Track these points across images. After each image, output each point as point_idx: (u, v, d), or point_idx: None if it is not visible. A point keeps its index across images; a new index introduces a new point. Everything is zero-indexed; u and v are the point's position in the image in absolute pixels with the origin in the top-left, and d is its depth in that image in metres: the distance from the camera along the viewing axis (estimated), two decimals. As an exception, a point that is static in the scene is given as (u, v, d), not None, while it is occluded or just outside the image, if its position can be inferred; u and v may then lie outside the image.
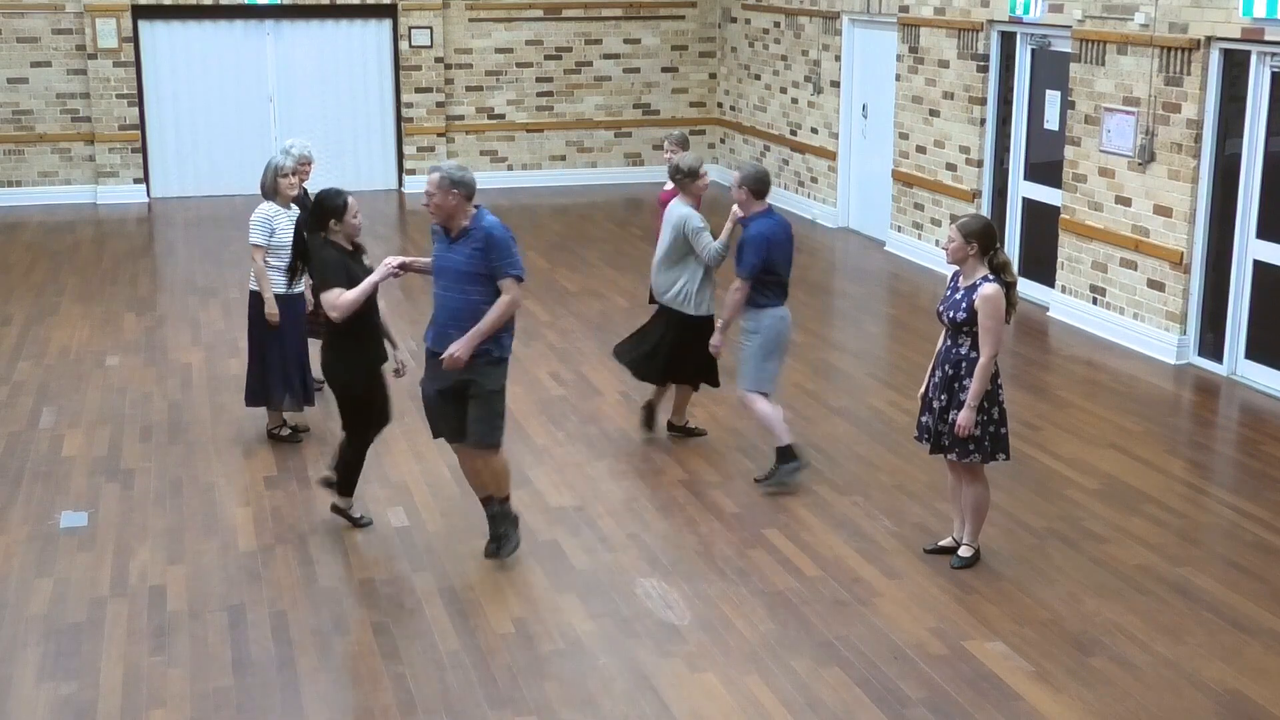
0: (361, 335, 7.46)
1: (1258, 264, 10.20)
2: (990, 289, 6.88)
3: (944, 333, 7.14)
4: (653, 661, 6.27)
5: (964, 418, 6.92)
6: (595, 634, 6.53)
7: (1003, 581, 7.06)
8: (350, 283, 7.25)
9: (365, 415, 7.59)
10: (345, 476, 7.67)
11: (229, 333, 11.50)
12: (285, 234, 8.77)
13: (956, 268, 7.05)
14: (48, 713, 5.86)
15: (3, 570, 7.18)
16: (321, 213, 7.41)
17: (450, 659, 6.29)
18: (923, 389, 7.26)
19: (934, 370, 7.18)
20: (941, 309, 7.09)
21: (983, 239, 6.94)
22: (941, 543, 7.42)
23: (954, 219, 7.32)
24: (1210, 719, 5.83)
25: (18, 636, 6.49)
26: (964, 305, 6.94)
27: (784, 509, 7.97)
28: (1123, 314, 11.34)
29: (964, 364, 6.99)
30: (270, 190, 8.94)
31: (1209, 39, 10.29)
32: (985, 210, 13.31)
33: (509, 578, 7.11)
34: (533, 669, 6.20)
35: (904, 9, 14.29)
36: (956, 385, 7.02)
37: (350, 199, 7.42)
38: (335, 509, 7.73)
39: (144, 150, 17.54)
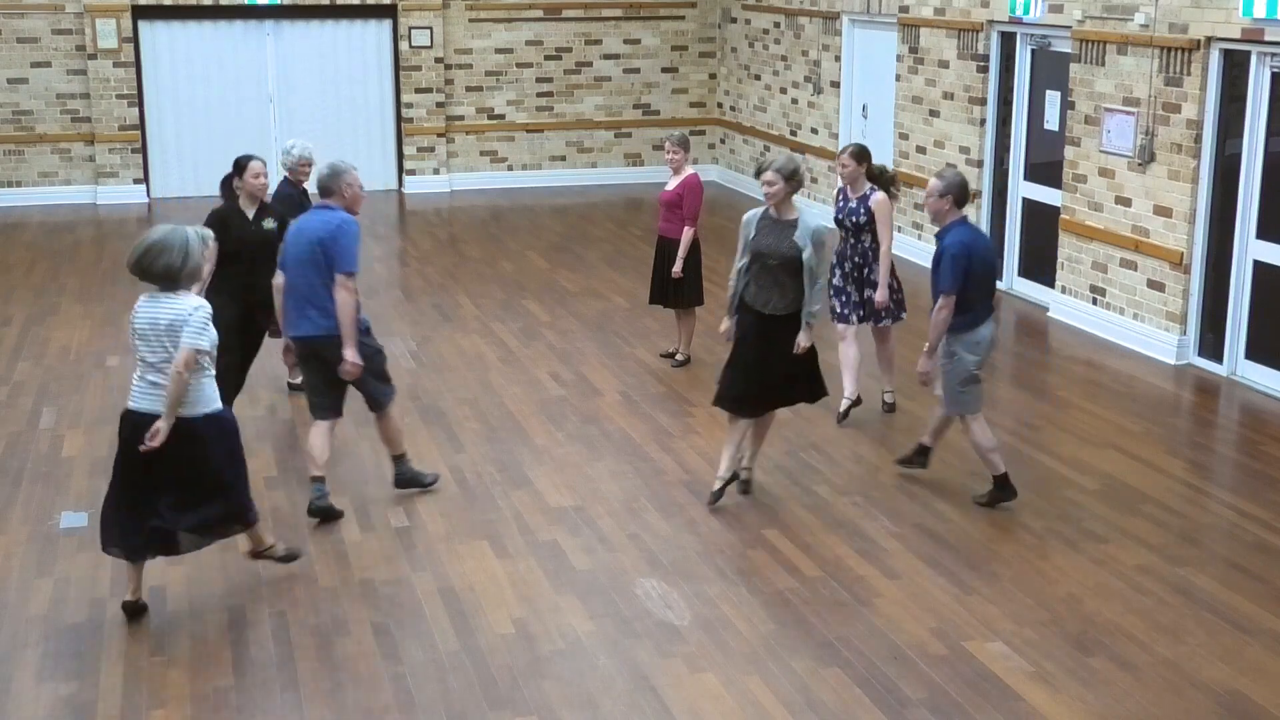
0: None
1: (1258, 264, 10.20)
2: (880, 195, 9.16)
3: (842, 236, 9.33)
4: (653, 661, 6.27)
5: (881, 295, 9.18)
6: (595, 634, 6.53)
7: (1003, 581, 7.06)
8: (221, 239, 7.92)
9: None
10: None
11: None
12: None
13: (843, 185, 9.29)
14: (48, 713, 5.86)
15: (3, 570, 7.18)
16: (233, 168, 8.82)
17: (450, 659, 6.29)
18: (834, 281, 9.35)
19: (840, 265, 9.36)
20: (841, 217, 9.29)
21: (867, 158, 9.25)
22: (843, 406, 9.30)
23: (842, 150, 9.39)
24: (1210, 719, 5.83)
25: (18, 636, 6.49)
26: (862, 211, 9.17)
27: (784, 509, 7.97)
28: (1123, 314, 11.34)
29: (870, 254, 9.24)
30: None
31: (1209, 39, 10.29)
32: (985, 210, 13.32)
33: (509, 578, 7.11)
34: (533, 669, 6.20)
35: (904, 9, 14.29)
36: (866, 272, 9.28)
37: (255, 161, 8.71)
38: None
39: (144, 150, 17.54)
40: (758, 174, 7.94)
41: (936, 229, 8.02)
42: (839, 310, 9.37)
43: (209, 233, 6.66)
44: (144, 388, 6.39)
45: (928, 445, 8.39)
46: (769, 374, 7.84)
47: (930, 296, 7.95)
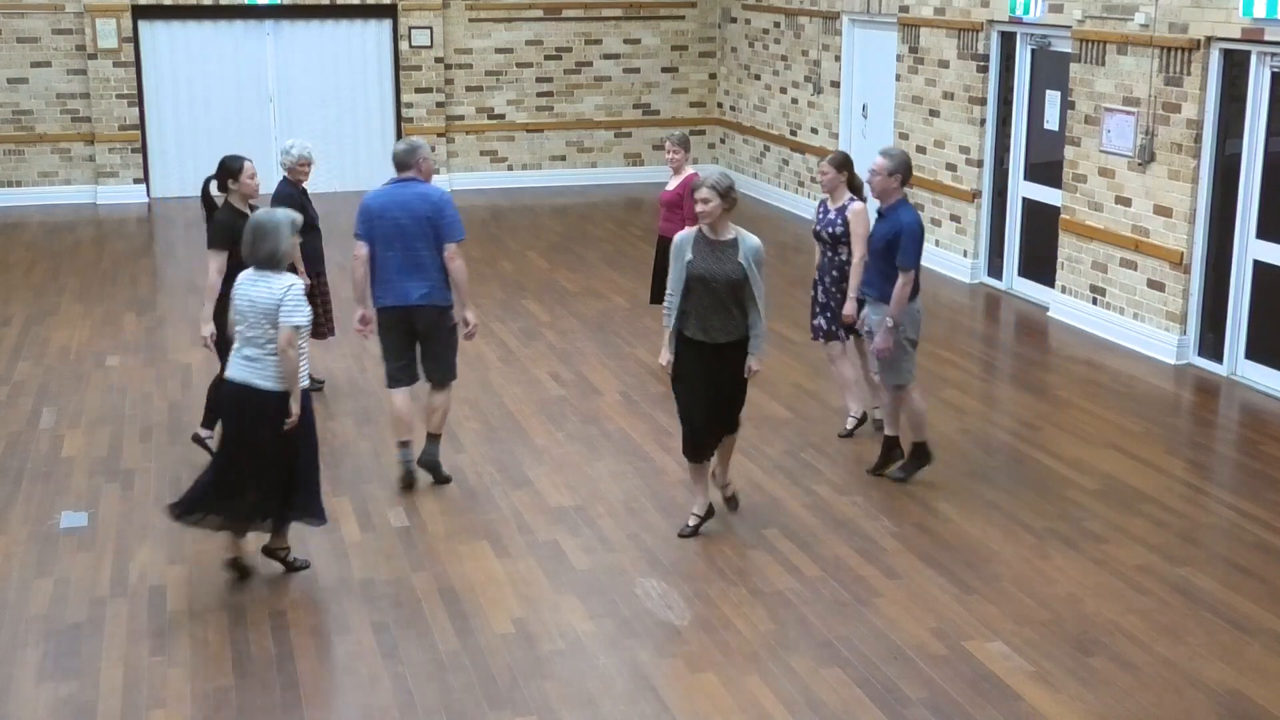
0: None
1: (1258, 264, 10.20)
2: (858, 205, 8.66)
3: (821, 250, 8.87)
4: (653, 661, 6.27)
5: (848, 309, 8.63)
6: (595, 634, 6.53)
7: (1003, 581, 7.06)
8: (233, 245, 7.77)
9: None
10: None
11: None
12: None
13: (824, 195, 8.87)
14: (48, 713, 5.86)
15: (3, 570, 7.18)
16: (222, 173, 8.50)
17: (450, 659, 6.29)
18: (818, 297, 8.94)
19: (821, 280, 8.90)
20: (819, 229, 8.82)
21: (849, 166, 8.81)
22: (849, 426, 9.11)
23: (822, 158, 9.17)
24: (1210, 719, 5.83)
25: (18, 636, 6.49)
26: (840, 221, 8.68)
27: (784, 509, 7.97)
28: (1123, 314, 11.34)
29: (847, 268, 8.69)
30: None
31: (1209, 39, 10.29)
32: (985, 210, 13.31)
33: (509, 578, 7.11)
34: (533, 669, 6.21)
35: (904, 9, 14.29)
36: (845, 285, 8.71)
37: (248, 162, 8.58)
38: (196, 438, 8.55)
39: (144, 150, 17.55)
40: (693, 191, 7.36)
41: (879, 207, 8.15)
42: (826, 328, 8.92)
43: (299, 216, 7.04)
44: (239, 361, 6.81)
45: (893, 436, 8.45)
46: (720, 404, 7.48)
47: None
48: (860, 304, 8.54)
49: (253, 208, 8.66)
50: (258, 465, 6.78)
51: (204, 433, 8.57)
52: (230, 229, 8.07)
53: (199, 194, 9.04)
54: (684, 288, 7.28)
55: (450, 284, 8.09)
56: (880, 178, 8.05)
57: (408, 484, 8.18)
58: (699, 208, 7.25)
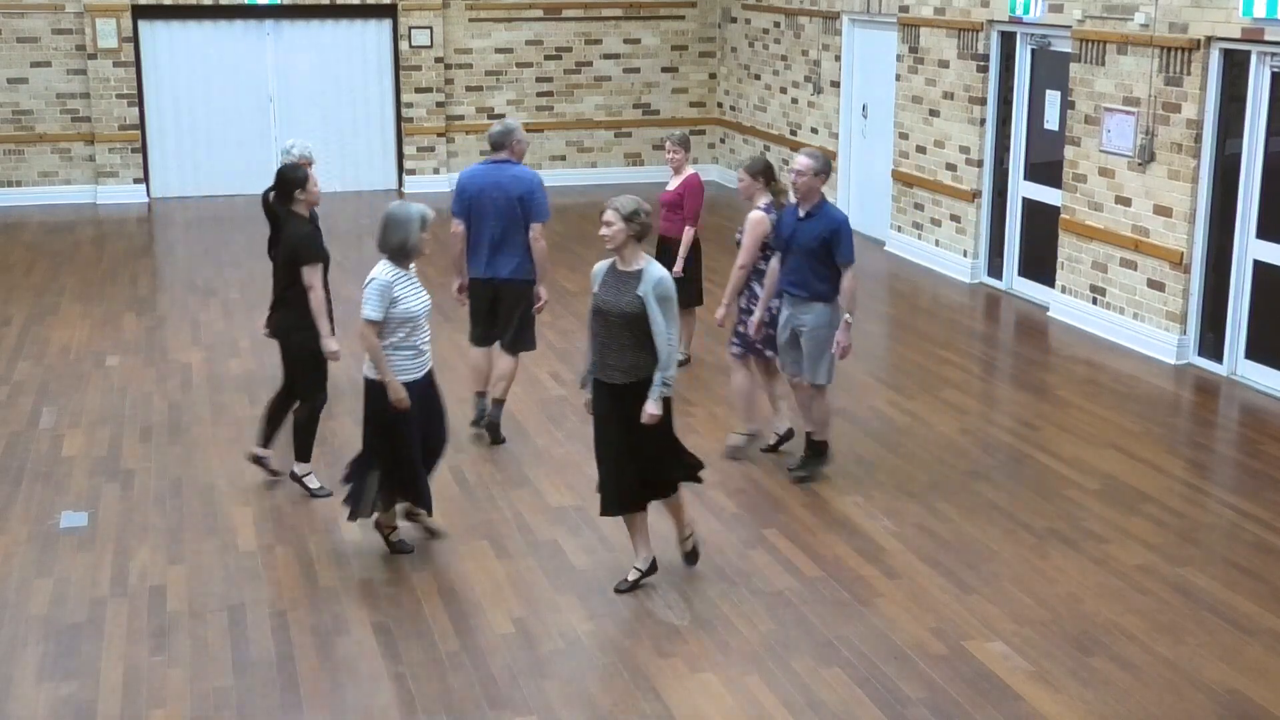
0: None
1: (1258, 264, 10.20)
2: (753, 215, 8.54)
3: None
4: (653, 661, 6.27)
5: (719, 313, 8.63)
6: (595, 634, 6.53)
7: (1003, 581, 7.06)
8: (322, 256, 8.02)
9: (318, 374, 8.10)
10: (301, 441, 8.18)
11: (229, 333, 11.50)
12: (413, 302, 7.21)
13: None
14: (48, 713, 5.87)
15: (3, 570, 7.18)
16: (286, 185, 8.10)
17: (450, 659, 6.29)
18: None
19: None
20: (737, 234, 8.75)
21: (763, 173, 8.66)
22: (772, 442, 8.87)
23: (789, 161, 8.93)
24: (1210, 719, 5.83)
25: (18, 636, 6.49)
26: (740, 228, 8.63)
27: (784, 509, 7.97)
28: (1123, 314, 11.34)
29: (757, 277, 8.53)
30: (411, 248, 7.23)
31: (1209, 39, 10.29)
32: (985, 210, 13.32)
33: (509, 578, 7.11)
34: (533, 669, 6.21)
35: (904, 9, 14.30)
36: (749, 297, 8.62)
37: (312, 170, 8.38)
38: (254, 457, 8.31)
39: (144, 150, 17.54)
40: (601, 214, 6.77)
41: (806, 207, 8.10)
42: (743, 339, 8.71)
43: (430, 211, 7.24)
44: None
45: (811, 431, 8.45)
46: (637, 455, 6.76)
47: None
48: (746, 312, 8.58)
49: (314, 215, 8.47)
50: (376, 447, 7.20)
51: (261, 452, 8.31)
52: (314, 240, 8.04)
53: (262, 206, 8.64)
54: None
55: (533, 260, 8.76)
56: (806, 178, 8.07)
57: (481, 424, 8.93)
58: (601, 230, 6.70)
